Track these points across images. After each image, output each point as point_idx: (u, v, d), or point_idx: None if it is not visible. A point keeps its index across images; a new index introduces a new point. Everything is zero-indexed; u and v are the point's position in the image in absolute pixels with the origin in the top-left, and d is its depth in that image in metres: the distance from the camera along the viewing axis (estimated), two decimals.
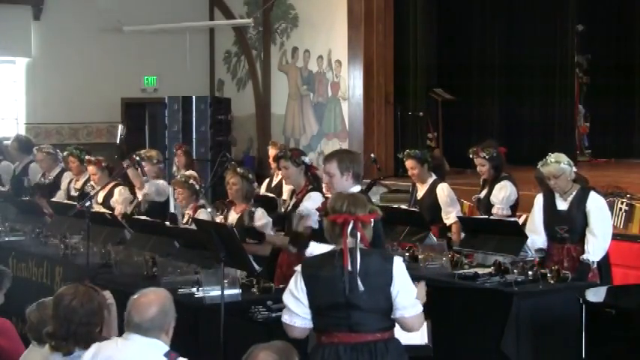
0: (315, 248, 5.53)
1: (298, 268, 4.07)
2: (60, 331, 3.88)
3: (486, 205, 7.18)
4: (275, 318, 5.02)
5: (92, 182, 8.52)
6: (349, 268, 3.90)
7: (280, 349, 3.41)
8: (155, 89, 14.98)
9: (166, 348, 3.74)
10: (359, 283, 3.90)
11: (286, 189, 8.56)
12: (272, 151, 9.36)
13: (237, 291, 5.48)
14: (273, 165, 9.15)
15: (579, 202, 6.19)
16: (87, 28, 14.27)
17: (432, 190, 7.53)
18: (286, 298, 4.06)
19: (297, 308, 4.01)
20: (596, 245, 6.10)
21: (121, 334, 3.89)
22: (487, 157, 7.14)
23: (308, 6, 13.59)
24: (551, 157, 6.25)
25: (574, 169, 6.30)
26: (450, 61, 13.71)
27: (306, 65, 13.68)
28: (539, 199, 6.44)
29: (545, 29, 14.02)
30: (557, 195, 6.29)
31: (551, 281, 5.78)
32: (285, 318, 4.06)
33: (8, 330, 4.75)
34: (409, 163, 7.66)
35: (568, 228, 6.22)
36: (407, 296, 4.01)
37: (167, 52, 14.81)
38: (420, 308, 4.07)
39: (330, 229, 4.06)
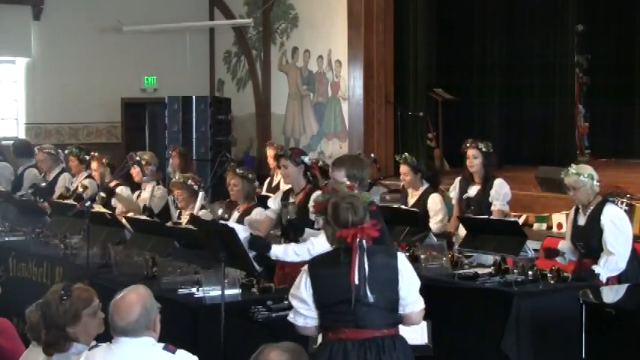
0: (310, 235, 5.59)
1: (305, 267, 4.12)
2: (42, 334, 3.92)
3: (480, 203, 7.13)
4: (275, 318, 5.03)
5: (93, 176, 8.59)
6: (356, 281, 3.94)
7: (291, 349, 3.40)
8: (155, 89, 14.96)
9: (160, 343, 3.75)
10: (368, 293, 3.93)
11: (283, 188, 8.56)
12: (270, 152, 9.39)
13: (237, 291, 5.48)
14: (272, 165, 9.17)
15: (595, 216, 6.03)
16: (87, 28, 14.25)
17: (422, 199, 7.49)
18: (291, 297, 4.12)
19: (301, 307, 4.07)
20: (610, 261, 5.93)
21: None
22: (484, 149, 7.11)
23: (308, 6, 13.59)
24: (572, 169, 6.10)
25: (596, 182, 6.07)
26: (450, 61, 13.71)
27: (306, 65, 13.68)
28: (572, 210, 6.34)
29: (545, 29, 14.01)
30: (580, 208, 6.18)
31: (551, 281, 5.78)
32: (290, 316, 4.14)
33: (8, 330, 4.74)
34: (403, 169, 7.61)
35: (583, 244, 6.13)
36: (414, 291, 4.08)
37: (167, 52, 14.79)
38: (423, 303, 4.12)
39: (334, 238, 4.11)
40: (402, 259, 4.09)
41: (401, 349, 4.06)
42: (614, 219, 5.99)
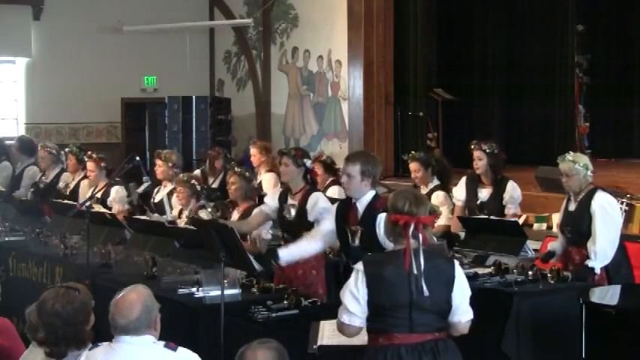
0: (286, 253, 5.61)
1: (359, 266, 3.98)
2: (49, 337, 3.88)
3: (494, 207, 7.08)
4: (275, 318, 5.03)
5: (88, 178, 8.57)
6: (414, 271, 3.88)
7: (275, 348, 3.40)
8: (155, 89, 14.97)
9: (161, 341, 3.75)
10: (424, 287, 3.87)
11: (267, 187, 8.47)
12: (254, 150, 9.12)
13: (237, 291, 5.48)
14: (256, 163, 8.98)
15: (586, 202, 6.09)
16: (87, 28, 14.26)
17: (429, 196, 7.48)
18: (345, 297, 3.98)
19: (355, 308, 3.94)
20: (598, 249, 5.96)
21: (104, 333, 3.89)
22: (488, 150, 7.11)
23: (308, 6, 13.59)
24: (569, 155, 6.19)
25: (590, 173, 6.14)
26: (450, 61, 13.69)
27: (306, 65, 13.68)
28: (564, 201, 6.40)
29: (545, 29, 14.02)
30: (572, 196, 6.24)
31: (551, 281, 5.79)
32: (344, 318, 3.98)
33: (8, 330, 4.74)
34: (413, 166, 7.63)
35: (571, 228, 6.17)
36: (465, 301, 4.03)
37: (167, 52, 14.80)
38: (472, 313, 4.08)
39: (390, 228, 4.05)
40: (458, 267, 4.04)
41: (453, 351, 4.04)
42: (604, 204, 6.06)
